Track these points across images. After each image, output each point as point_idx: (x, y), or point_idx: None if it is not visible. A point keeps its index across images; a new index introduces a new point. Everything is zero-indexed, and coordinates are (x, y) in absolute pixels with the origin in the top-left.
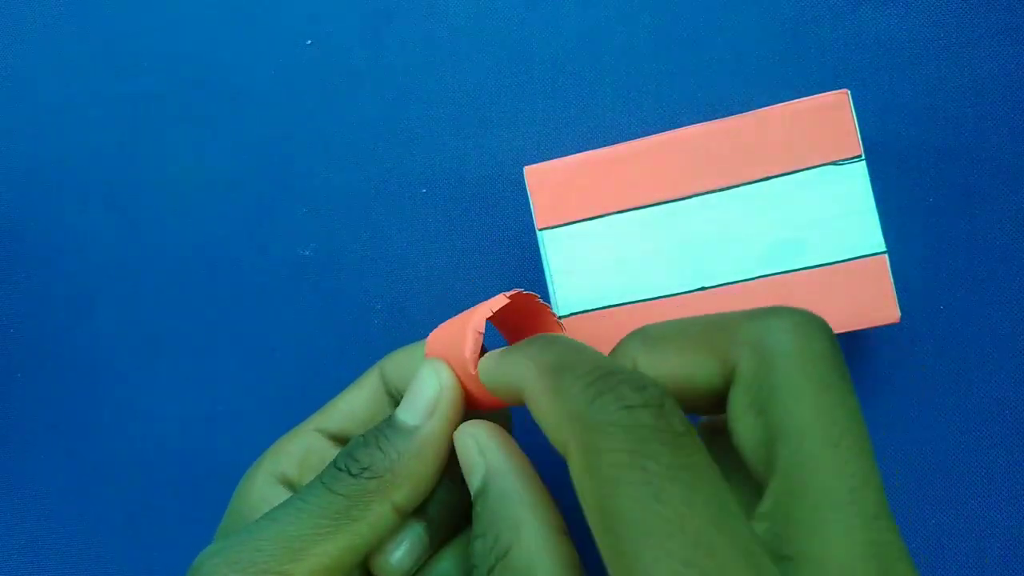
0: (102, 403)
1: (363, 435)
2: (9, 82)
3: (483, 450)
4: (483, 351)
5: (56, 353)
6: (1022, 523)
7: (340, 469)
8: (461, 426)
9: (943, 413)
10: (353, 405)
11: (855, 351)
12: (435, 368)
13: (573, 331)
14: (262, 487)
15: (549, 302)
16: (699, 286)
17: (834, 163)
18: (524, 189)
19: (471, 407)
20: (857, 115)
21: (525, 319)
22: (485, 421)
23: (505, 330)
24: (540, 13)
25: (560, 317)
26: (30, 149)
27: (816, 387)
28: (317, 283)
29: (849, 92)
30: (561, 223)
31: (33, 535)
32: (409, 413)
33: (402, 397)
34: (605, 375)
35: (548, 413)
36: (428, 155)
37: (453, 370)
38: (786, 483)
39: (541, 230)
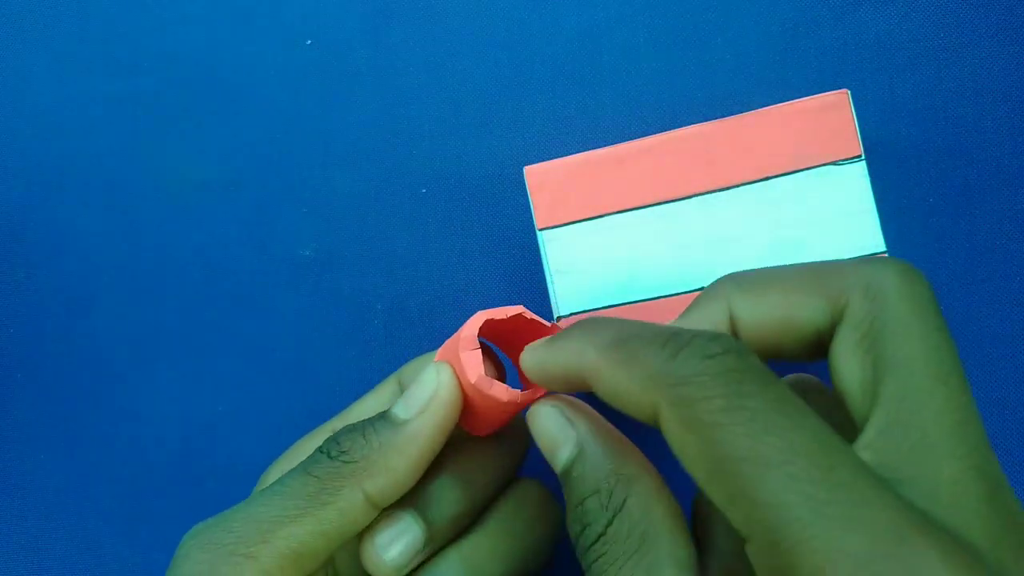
0: (102, 403)
1: (355, 423)
2: (9, 82)
3: (572, 420)
4: (495, 364)
5: (56, 353)
6: None
7: (321, 452)
8: (539, 403)
9: None
10: (369, 410)
11: None
12: (437, 368)
13: None
14: None
15: (549, 302)
16: (699, 286)
17: (834, 163)
18: (524, 189)
19: (472, 423)
20: (857, 115)
21: (522, 335)
22: (563, 399)
23: (503, 344)
24: (540, 13)
25: (560, 317)
26: (30, 149)
27: (925, 326)
28: (317, 283)
29: (849, 92)
30: (561, 223)
31: (33, 535)
32: (402, 407)
33: None
34: (674, 335)
35: (624, 383)
36: (428, 155)
37: (456, 377)
38: (892, 414)
39: (541, 230)
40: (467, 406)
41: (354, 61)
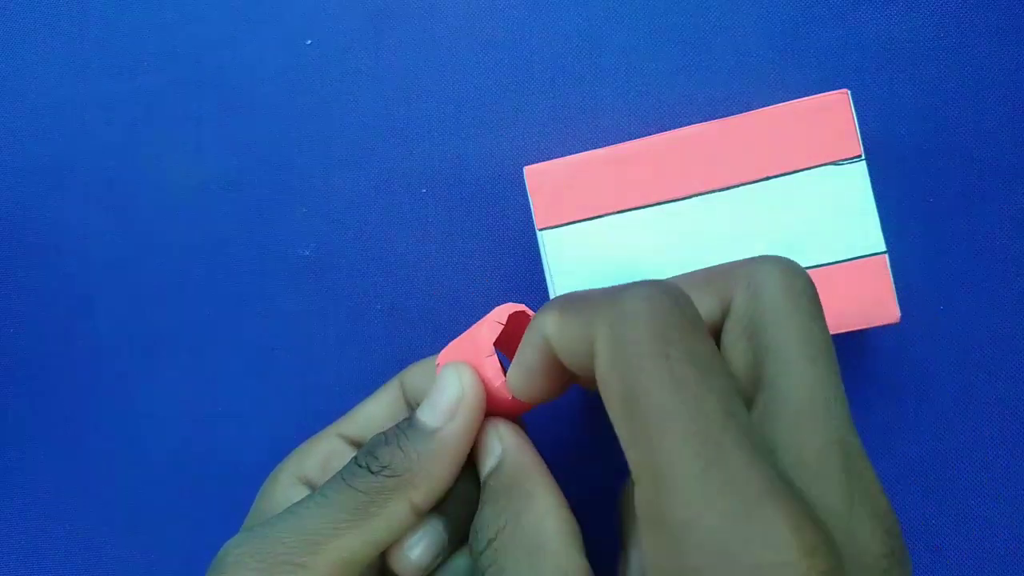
0: (102, 403)
1: (383, 433)
2: (9, 82)
3: (501, 436)
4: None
5: (56, 353)
6: (1022, 523)
7: (360, 466)
8: (487, 421)
9: (943, 413)
10: (373, 413)
11: (855, 351)
12: (457, 371)
13: None
14: (285, 488)
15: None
16: None
17: (834, 163)
18: (524, 189)
19: (497, 410)
20: (857, 115)
21: (519, 332)
22: (504, 419)
23: (505, 347)
24: (540, 13)
25: None
26: (30, 149)
27: (799, 315)
28: (317, 283)
29: (849, 92)
30: (561, 223)
31: (33, 535)
32: (430, 414)
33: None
34: (623, 285)
35: (572, 329)
36: (428, 155)
37: (477, 376)
38: (771, 392)
39: (541, 230)
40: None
41: (354, 61)
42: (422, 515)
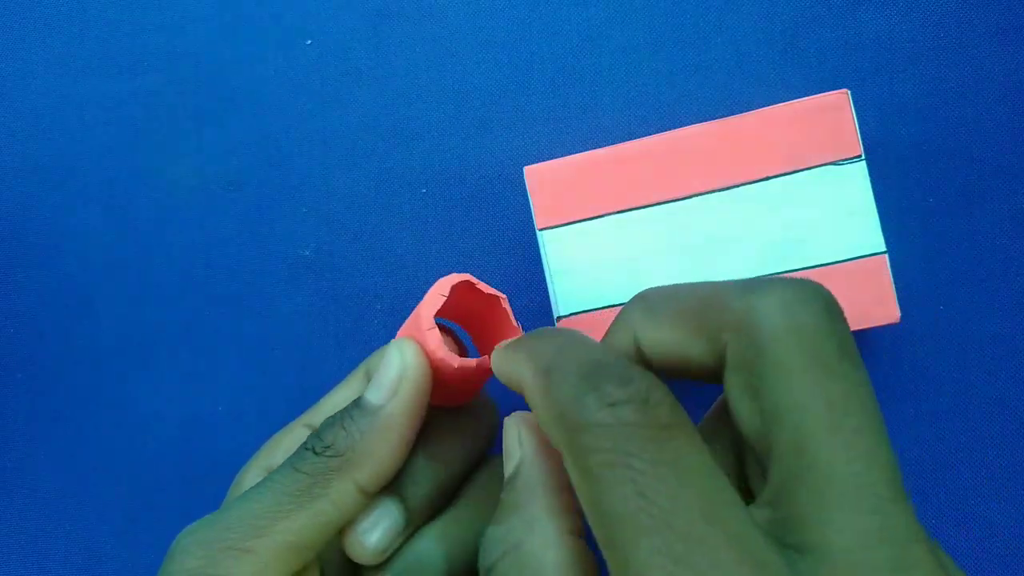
0: (102, 403)
1: (332, 416)
2: (9, 82)
3: (521, 440)
4: (444, 328)
5: (56, 353)
6: (1022, 523)
7: (307, 448)
8: (512, 415)
9: (943, 413)
10: (339, 402)
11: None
12: (400, 347)
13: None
14: (253, 480)
15: (549, 302)
16: None
17: (834, 163)
18: (524, 189)
19: (439, 398)
20: (857, 115)
21: (482, 312)
22: (529, 414)
23: (464, 322)
24: (540, 13)
25: (560, 317)
26: (30, 149)
27: (810, 367)
28: (317, 283)
29: (849, 92)
30: (561, 223)
31: (33, 535)
32: (374, 392)
33: None
34: (591, 373)
35: (542, 416)
36: (428, 155)
37: (420, 349)
38: (786, 469)
39: (541, 230)
40: (434, 382)
41: (354, 61)
42: (370, 496)
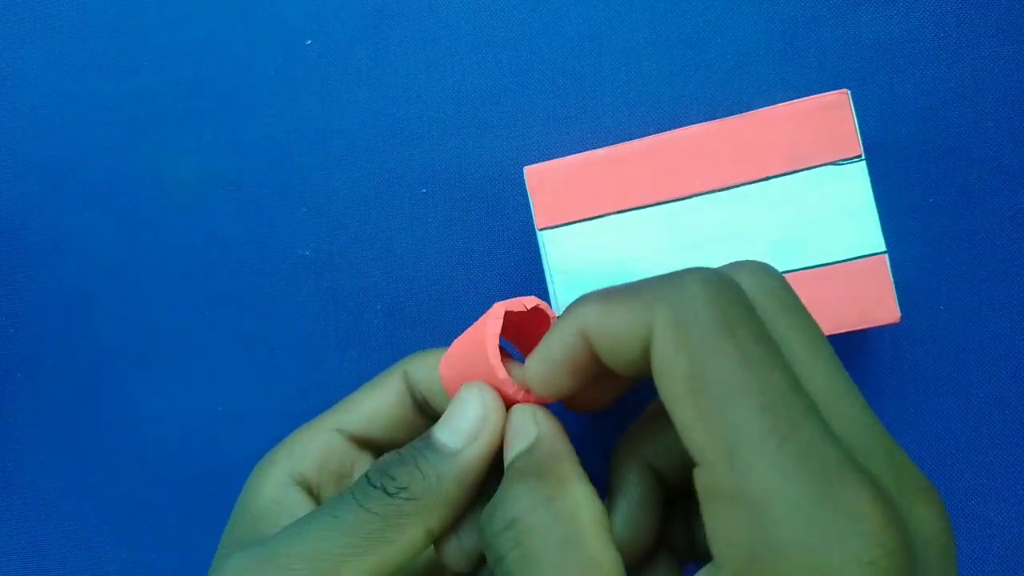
0: (102, 403)
1: (400, 452)
2: (9, 82)
3: (538, 421)
4: (506, 357)
5: (56, 353)
6: (1022, 523)
7: (375, 486)
8: (517, 404)
9: (943, 413)
10: (376, 407)
11: (855, 351)
12: (479, 390)
13: None
14: (276, 488)
15: (549, 302)
16: None
17: (834, 163)
18: (524, 189)
19: None
20: (857, 115)
21: (529, 325)
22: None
23: (514, 339)
24: (540, 13)
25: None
26: (30, 149)
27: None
28: (317, 283)
29: (849, 92)
30: (561, 223)
31: (33, 535)
32: (451, 435)
33: (428, 403)
34: (675, 273)
35: (622, 315)
36: (428, 155)
37: (499, 396)
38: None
39: (541, 230)
40: None
41: (354, 61)
42: (434, 540)
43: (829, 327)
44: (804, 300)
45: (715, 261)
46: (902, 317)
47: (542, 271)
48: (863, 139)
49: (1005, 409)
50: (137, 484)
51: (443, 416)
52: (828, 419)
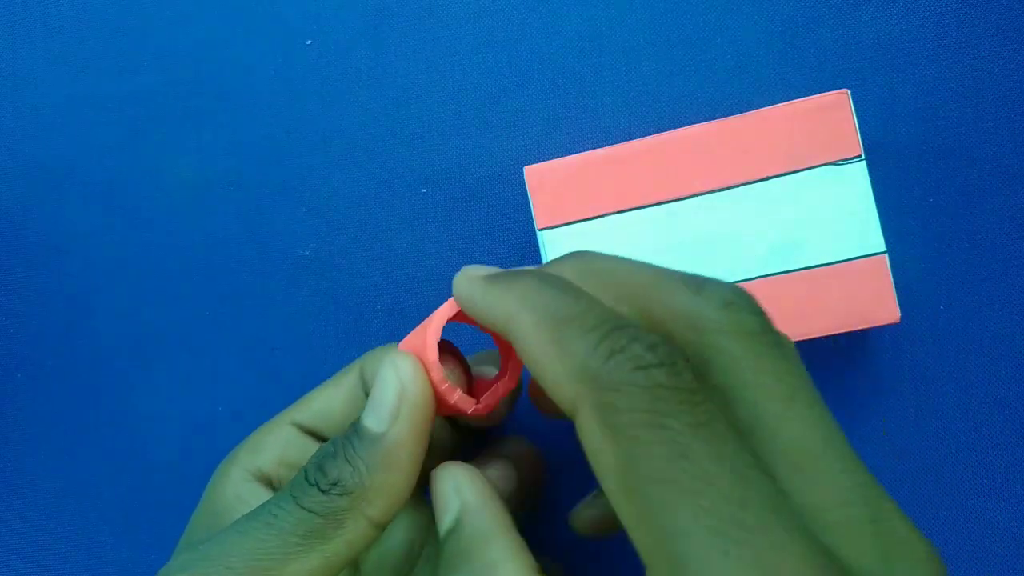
0: (102, 403)
1: (332, 443)
2: (9, 82)
3: (459, 488)
4: (449, 349)
5: (56, 353)
6: (1022, 523)
7: (310, 483)
8: (440, 466)
9: (943, 413)
10: (330, 403)
11: (855, 351)
12: (394, 364)
13: None
14: (237, 484)
15: None
16: None
17: (834, 163)
18: (524, 189)
19: (443, 411)
20: (857, 115)
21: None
22: (463, 463)
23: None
24: (540, 13)
25: None
26: (30, 149)
27: (755, 358)
28: (317, 283)
29: (849, 92)
30: (561, 223)
31: (33, 535)
32: (373, 418)
33: None
34: (613, 330)
35: (551, 369)
36: (428, 155)
37: (419, 365)
38: (756, 442)
39: (541, 230)
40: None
41: (354, 61)
42: (383, 527)
43: (829, 327)
44: (804, 300)
45: (715, 261)
46: (902, 317)
47: None
48: (863, 139)
49: (1005, 409)
50: (137, 484)
51: (368, 398)
52: (801, 487)
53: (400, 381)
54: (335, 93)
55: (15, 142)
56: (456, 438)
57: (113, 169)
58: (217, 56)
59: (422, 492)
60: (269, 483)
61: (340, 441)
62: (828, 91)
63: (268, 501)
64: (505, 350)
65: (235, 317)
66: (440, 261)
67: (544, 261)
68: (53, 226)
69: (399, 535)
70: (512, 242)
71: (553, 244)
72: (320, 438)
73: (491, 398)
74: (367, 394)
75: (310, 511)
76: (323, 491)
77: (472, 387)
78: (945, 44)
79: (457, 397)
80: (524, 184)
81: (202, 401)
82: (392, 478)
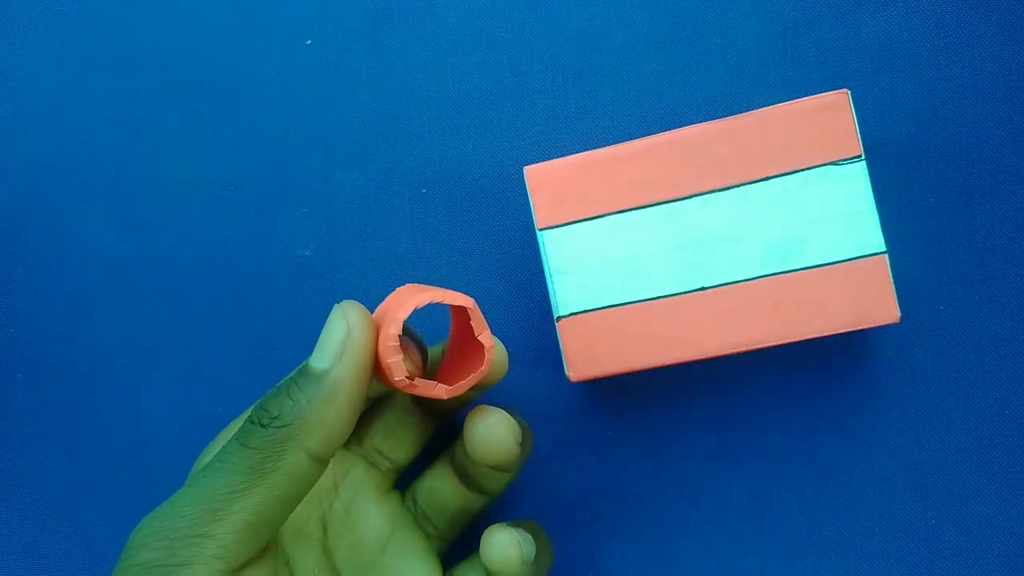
0: (102, 403)
1: (277, 385)
2: (9, 82)
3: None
4: (419, 347)
5: (56, 353)
6: (1022, 523)
7: (252, 423)
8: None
9: (943, 413)
10: None
11: (855, 351)
12: (343, 311)
13: (573, 331)
14: None
15: (549, 302)
16: (699, 286)
17: (834, 163)
18: (524, 189)
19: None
20: (857, 115)
21: (470, 336)
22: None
23: (457, 335)
24: (540, 13)
25: (560, 317)
26: (30, 149)
27: None
28: (317, 283)
29: (849, 92)
30: (561, 223)
31: (33, 536)
32: (317, 358)
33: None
34: None
35: None
36: (428, 155)
37: (367, 315)
38: None
39: (541, 230)
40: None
41: (354, 61)
42: (325, 464)
43: (829, 327)
44: (804, 300)
45: (714, 261)
46: (902, 317)
47: (542, 271)
48: (863, 139)
49: (1005, 409)
50: (137, 484)
51: (316, 343)
52: None
53: (347, 324)
54: (335, 93)
55: (15, 142)
56: (424, 420)
57: (113, 169)
58: (217, 56)
59: (392, 485)
60: None
61: (285, 381)
62: (828, 91)
63: (218, 452)
64: (474, 340)
65: (235, 317)
66: (440, 261)
67: (544, 261)
68: (53, 226)
69: (371, 522)
70: (512, 242)
71: (553, 244)
72: None
73: (460, 388)
74: None
75: (252, 448)
76: (263, 426)
77: (436, 371)
78: (945, 44)
79: (394, 360)
80: (524, 184)
81: (202, 401)
82: (330, 412)
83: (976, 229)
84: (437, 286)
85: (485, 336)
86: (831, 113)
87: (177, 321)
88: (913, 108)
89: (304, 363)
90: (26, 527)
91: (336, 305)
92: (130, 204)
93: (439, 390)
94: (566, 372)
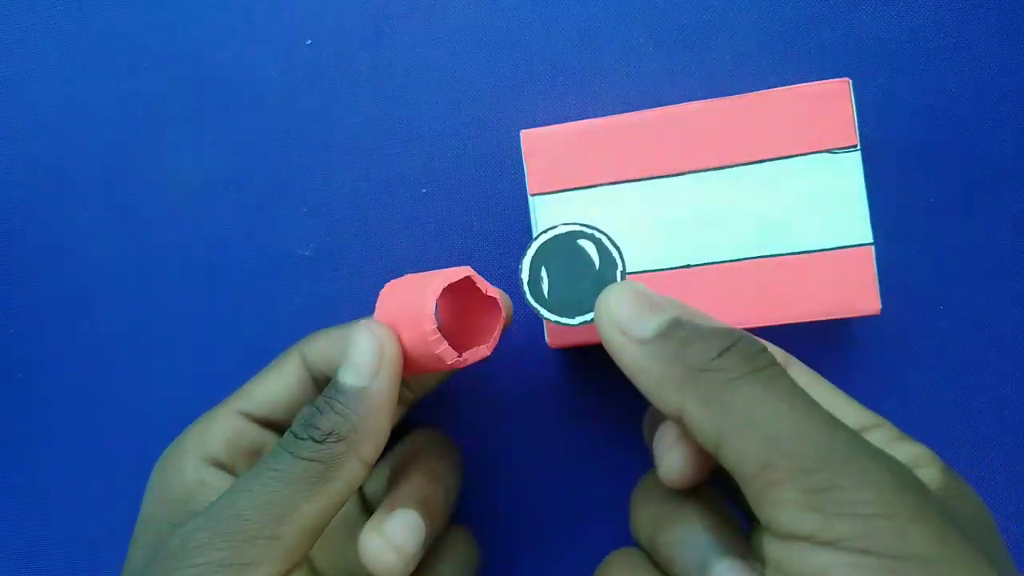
0: (102, 403)
1: (314, 405)
2: (9, 82)
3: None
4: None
5: (56, 353)
6: (1022, 523)
7: (302, 438)
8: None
9: (942, 413)
10: (276, 391)
11: (855, 351)
12: (369, 327)
13: None
14: (196, 470)
15: None
16: (683, 263)
17: (830, 151)
18: (524, 189)
19: (415, 370)
20: (856, 113)
21: (467, 301)
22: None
23: (446, 309)
24: (540, 13)
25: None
26: (30, 149)
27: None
28: (317, 283)
29: (851, 81)
30: (553, 190)
31: (33, 536)
32: (354, 375)
33: (327, 379)
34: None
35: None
36: (428, 155)
37: (391, 329)
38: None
39: (533, 195)
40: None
41: (354, 61)
42: (370, 467)
43: (810, 313)
44: (787, 285)
45: (705, 237)
46: (902, 316)
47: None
48: (862, 138)
49: (1005, 409)
50: (137, 484)
51: (343, 360)
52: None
53: (378, 341)
54: (335, 93)
55: (15, 142)
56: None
57: (113, 169)
58: (217, 56)
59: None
60: (223, 468)
61: (324, 401)
62: None
63: (258, 464)
64: (491, 318)
65: (235, 317)
66: (440, 261)
67: (534, 227)
68: (53, 226)
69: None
70: (512, 242)
71: (543, 210)
72: (266, 424)
73: (494, 341)
74: (314, 380)
75: (312, 460)
76: (319, 442)
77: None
78: (945, 44)
79: (443, 349)
80: (525, 184)
81: (202, 401)
82: (379, 422)
83: (975, 228)
84: (418, 272)
85: (494, 291)
86: (831, 101)
87: (177, 321)
88: (912, 107)
89: (336, 380)
90: (26, 527)
91: (357, 323)
92: (130, 204)
93: (482, 350)
94: (546, 339)
